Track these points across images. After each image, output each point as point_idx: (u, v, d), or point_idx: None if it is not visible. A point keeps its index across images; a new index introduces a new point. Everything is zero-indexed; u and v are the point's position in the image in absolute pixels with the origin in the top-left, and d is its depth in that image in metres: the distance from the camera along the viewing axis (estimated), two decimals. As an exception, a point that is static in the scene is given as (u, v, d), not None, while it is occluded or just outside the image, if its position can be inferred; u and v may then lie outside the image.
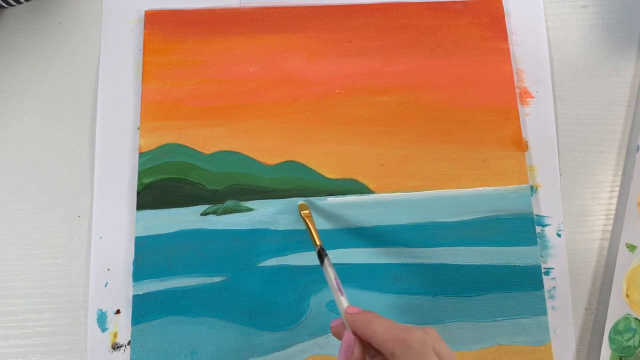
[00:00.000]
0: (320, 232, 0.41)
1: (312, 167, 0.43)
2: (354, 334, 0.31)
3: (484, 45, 0.47)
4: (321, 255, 0.35)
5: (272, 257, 0.42)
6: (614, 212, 0.44)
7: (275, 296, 0.41)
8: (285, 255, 0.42)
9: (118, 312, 0.41)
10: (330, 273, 0.34)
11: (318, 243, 0.37)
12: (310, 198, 0.43)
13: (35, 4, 0.47)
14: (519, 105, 0.45)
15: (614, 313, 0.41)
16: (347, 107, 0.45)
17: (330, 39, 0.46)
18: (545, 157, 0.45)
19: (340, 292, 0.33)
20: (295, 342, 0.40)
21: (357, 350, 0.31)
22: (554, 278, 0.42)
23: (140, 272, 0.41)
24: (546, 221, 0.43)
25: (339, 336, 0.32)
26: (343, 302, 0.33)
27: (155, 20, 0.46)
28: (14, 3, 0.44)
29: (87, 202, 0.43)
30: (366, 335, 0.31)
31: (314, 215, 0.42)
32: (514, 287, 0.41)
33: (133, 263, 0.41)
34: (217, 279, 0.41)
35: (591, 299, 0.42)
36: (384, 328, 0.30)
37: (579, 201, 0.44)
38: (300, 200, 0.42)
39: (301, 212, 0.41)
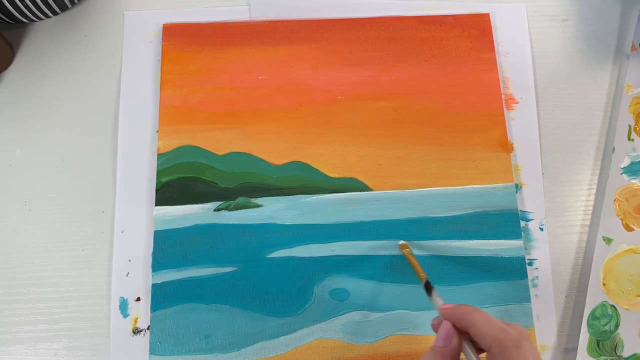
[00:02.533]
0: (324, 227, 0.42)
1: (316, 167, 0.43)
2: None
3: (473, 55, 0.46)
4: (428, 287, 0.35)
5: (280, 250, 0.41)
6: (591, 208, 0.44)
7: (282, 285, 0.40)
8: (292, 247, 0.41)
9: (138, 299, 0.41)
10: (438, 301, 0.33)
11: (423, 276, 0.36)
12: (314, 195, 0.42)
13: (63, 18, 0.47)
14: (505, 110, 0.45)
15: (592, 300, 0.41)
16: (348, 112, 0.44)
17: (332, 49, 0.46)
18: (529, 158, 0.44)
19: (440, 299, 0.33)
20: (300, 327, 0.40)
21: (455, 339, 0.30)
22: (537, 268, 0.42)
23: (158, 263, 0.41)
24: (530, 216, 0.43)
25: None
26: (439, 301, 0.33)
27: (172, 33, 0.46)
28: (43, 17, 0.45)
29: (110, 199, 0.43)
30: (465, 326, 0.30)
31: (314, 212, 0.42)
32: (501, 276, 0.41)
33: (152, 254, 0.41)
34: (229, 269, 0.41)
35: (571, 287, 0.42)
36: (483, 322, 0.29)
37: (560, 198, 0.44)
38: (400, 241, 0.42)
39: (403, 251, 0.41)
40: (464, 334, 0.30)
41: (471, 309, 0.30)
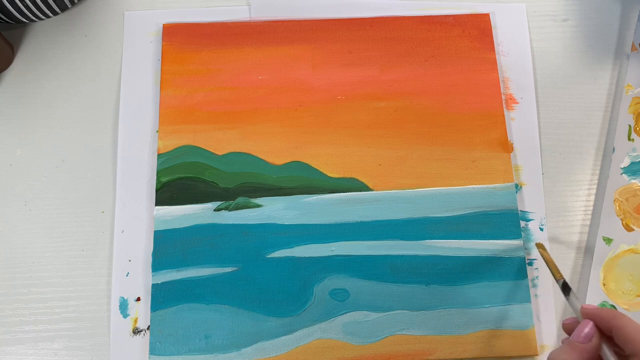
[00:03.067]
0: (324, 227, 0.42)
1: (316, 167, 0.43)
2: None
3: (473, 55, 0.46)
4: (566, 288, 0.35)
5: (280, 250, 0.41)
6: (591, 208, 0.44)
7: (282, 285, 0.40)
8: (292, 247, 0.41)
9: (138, 299, 0.40)
10: (576, 302, 0.33)
11: (560, 277, 0.36)
12: (315, 195, 0.42)
13: (63, 18, 0.47)
14: (505, 110, 0.45)
15: (592, 300, 0.41)
16: (348, 112, 0.44)
17: (332, 49, 0.46)
18: (529, 158, 0.44)
19: (578, 300, 0.33)
20: (300, 327, 0.39)
21: (596, 339, 0.30)
22: (537, 268, 0.42)
23: (158, 263, 0.40)
24: (530, 216, 0.43)
25: (570, 332, 0.32)
26: (577, 302, 0.33)
27: (172, 33, 0.46)
28: (43, 17, 0.45)
29: (110, 199, 0.43)
30: (609, 327, 0.30)
31: (315, 211, 0.42)
32: (501, 276, 0.41)
33: (152, 255, 0.41)
34: (229, 270, 0.41)
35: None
36: (633, 327, 0.29)
37: (560, 198, 0.44)
38: (538, 240, 0.42)
39: (539, 250, 0.40)
40: (603, 337, 0.31)
41: (619, 312, 0.30)
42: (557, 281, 0.36)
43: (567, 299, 0.35)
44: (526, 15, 0.48)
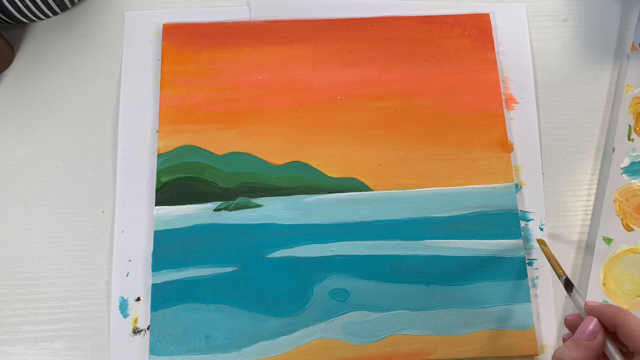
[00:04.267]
0: (324, 227, 0.41)
1: (316, 167, 0.43)
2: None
3: (473, 55, 0.46)
4: (569, 284, 0.35)
5: (280, 249, 0.41)
6: (591, 208, 0.44)
7: (282, 285, 0.40)
8: (292, 247, 0.41)
9: (138, 299, 0.40)
10: (580, 298, 0.33)
11: (562, 274, 0.36)
12: (315, 195, 0.42)
13: (63, 18, 0.47)
14: (505, 110, 0.45)
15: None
16: (348, 112, 0.44)
17: (332, 49, 0.46)
18: (529, 158, 0.44)
19: (581, 297, 0.33)
20: (300, 327, 0.39)
21: (600, 336, 0.30)
22: (537, 268, 0.42)
23: (158, 263, 0.40)
24: (530, 216, 0.43)
25: (572, 328, 0.32)
26: (580, 299, 0.33)
27: (172, 33, 0.46)
28: (43, 17, 0.45)
29: (110, 199, 0.43)
30: (614, 325, 0.29)
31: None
32: (500, 276, 0.41)
33: (152, 255, 0.41)
34: (229, 269, 0.40)
35: (571, 287, 0.43)
36: (637, 324, 0.29)
37: (560, 198, 0.44)
38: (539, 237, 0.42)
39: (540, 246, 0.40)
40: (608, 333, 0.30)
41: (623, 310, 0.30)
42: (560, 277, 0.36)
43: (570, 296, 0.34)
44: (526, 15, 0.48)
